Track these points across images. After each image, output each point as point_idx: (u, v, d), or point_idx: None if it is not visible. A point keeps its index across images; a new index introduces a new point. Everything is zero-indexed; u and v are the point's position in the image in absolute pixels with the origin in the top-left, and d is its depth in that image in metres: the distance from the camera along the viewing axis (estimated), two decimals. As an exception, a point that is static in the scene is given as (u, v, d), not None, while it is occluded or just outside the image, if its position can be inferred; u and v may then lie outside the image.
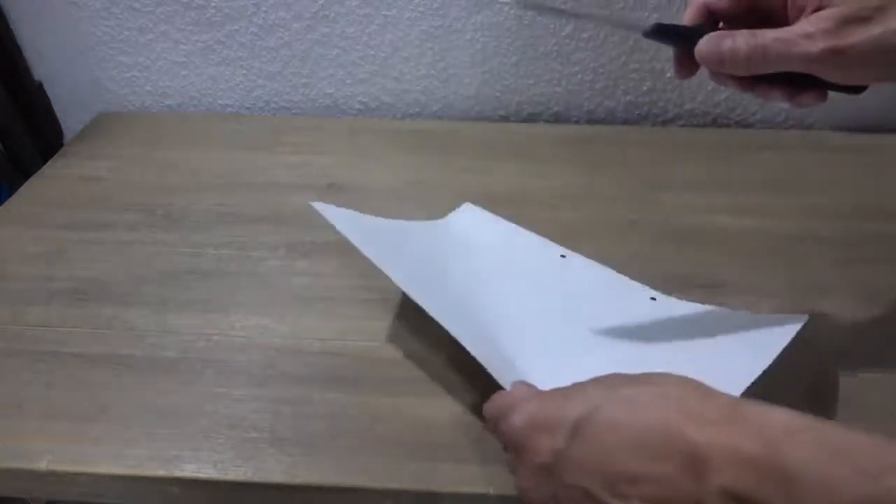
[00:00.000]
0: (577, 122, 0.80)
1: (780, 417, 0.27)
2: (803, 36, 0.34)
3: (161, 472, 0.42)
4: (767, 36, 0.35)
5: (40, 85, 0.83)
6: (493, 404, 0.37)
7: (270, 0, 0.75)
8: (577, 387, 0.33)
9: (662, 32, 0.39)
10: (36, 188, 0.69)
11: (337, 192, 0.67)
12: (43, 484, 0.43)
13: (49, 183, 0.70)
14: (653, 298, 0.51)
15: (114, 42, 0.80)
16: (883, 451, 0.25)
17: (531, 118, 0.81)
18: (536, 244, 0.57)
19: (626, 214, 0.62)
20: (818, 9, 0.35)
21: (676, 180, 0.67)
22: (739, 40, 0.36)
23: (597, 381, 0.33)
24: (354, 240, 0.48)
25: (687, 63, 0.40)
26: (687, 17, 0.40)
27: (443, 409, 0.45)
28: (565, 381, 0.35)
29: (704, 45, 0.38)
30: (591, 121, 0.80)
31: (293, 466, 0.42)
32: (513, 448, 0.35)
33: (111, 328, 0.52)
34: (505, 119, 0.81)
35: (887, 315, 0.51)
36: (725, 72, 0.38)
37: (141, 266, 0.58)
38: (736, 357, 0.42)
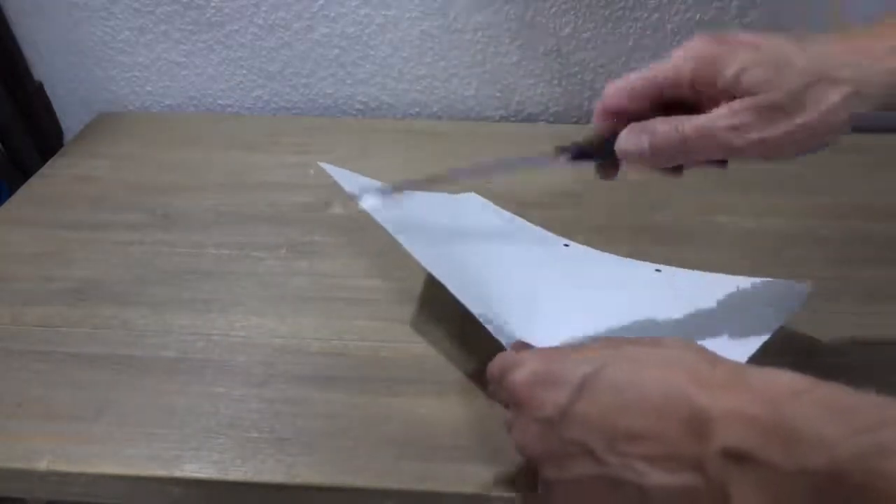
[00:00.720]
0: (577, 122, 0.80)
1: (783, 380, 0.28)
2: (727, 129, 0.34)
3: (161, 472, 0.42)
4: (688, 127, 0.35)
5: (40, 85, 0.83)
6: (495, 363, 0.37)
7: (270, 0, 0.75)
8: (583, 346, 0.34)
9: (579, 155, 0.39)
10: (36, 188, 0.69)
11: (337, 192, 0.67)
12: (43, 484, 0.43)
13: (49, 183, 0.70)
14: (657, 270, 0.52)
15: (114, 42, 0.80)
16: (882, 408, 0.26)
17: (531, 118, 0.81)
18: (540, 232, 0.58)
19: (625, 214, 0.62)
20: (732, 97, 0.34)
21: (676, 180, 0.66)
22: (660, 135, 0.35)
23: (603, 341, 0.34)
24: (357, 194, 0.49)
25: (609, 167, 0.40)
26: (595, 128, 0.39)
27: (443, 409, 0.45)
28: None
29: (625, 142, 0.37)
30: (591, 121, 0.80)
31: (293, 466, 0.42)
32: (514, 403, 0.34)
33: (111, 328, 0.52)
34: (505, 119, 0.81)
35: (887, 315, 0.51)
36: (647, 167, 0.37)
37: (141, 266, 0.58)
38: (743, 323, 0.42)
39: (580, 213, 0.62)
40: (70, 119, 0.86)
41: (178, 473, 0.42)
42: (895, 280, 0.54)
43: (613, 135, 0.38)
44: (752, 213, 0.62)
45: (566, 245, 0.56)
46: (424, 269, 0.46)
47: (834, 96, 0.33)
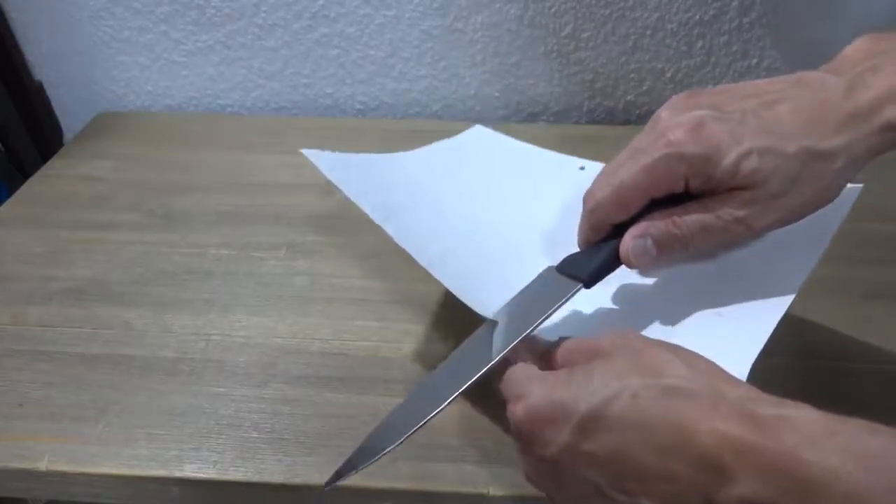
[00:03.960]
0: (577, 122, 0.80)
1: (801, 419, 0.26)
2: (736, 223, 0.34)
3: (161, 472, 0.42)
4: (690, 227, 0.35)
5: (40, 85, 0.83)
6: (501, 384, 0.34)
7: (270, 0, 0.75)
8: (582, 372, 0.31)
9: (599, 275, 0.37)
10: (36, 188, 0.69)
11: (336, 192, 0.67)
12: (43, 484, 0.43)
13: (49, 183, 0.70)
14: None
15: (114, 42, 0.80)
16: None
17: (531, 118, 0.81)
18: (553, 159, 0.55)
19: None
20: (732, 188, 0.34)
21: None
22: (664, 235, 0.35)
23: (602, 367, 0.31)
24: (337, 181, 0.48)
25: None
26: (588, 234, 0.38)
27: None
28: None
29: (632, 252, 0.36)
30: (591, 121, 0.80)
31: (293, 466, 0.42)
32: (518, 440, 0.34)
33: (111, 328, 0.52)
34: (505, 119, 0.81)
35: (887, 315, 0.51)
36: (650, 266, 0.37)
37: (141, 266, 0.58)
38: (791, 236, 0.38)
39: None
40: (70, 119, 0.86)
41: (178, 473, 0.42)
42: (895, 280, 0.54)
43: (611, 238, 0.37)
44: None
45: (582, 168, 0.53)
46: (424, 270, 0.46)
47: (828, 172, 0.34)
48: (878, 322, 0.50)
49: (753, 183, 0.33)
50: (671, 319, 0.38)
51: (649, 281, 0.42)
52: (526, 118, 0.81)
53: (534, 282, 0.39)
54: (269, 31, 0.77)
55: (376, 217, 0.45)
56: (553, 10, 0.73)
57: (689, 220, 0.35)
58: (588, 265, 0.37)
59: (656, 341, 0.32)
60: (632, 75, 0.76)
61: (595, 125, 0.80)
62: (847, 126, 0.33)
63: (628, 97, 0.78)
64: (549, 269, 0.39)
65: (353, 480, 0.40)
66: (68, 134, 0.87)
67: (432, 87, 0.80)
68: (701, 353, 0.31)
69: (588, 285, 0.37)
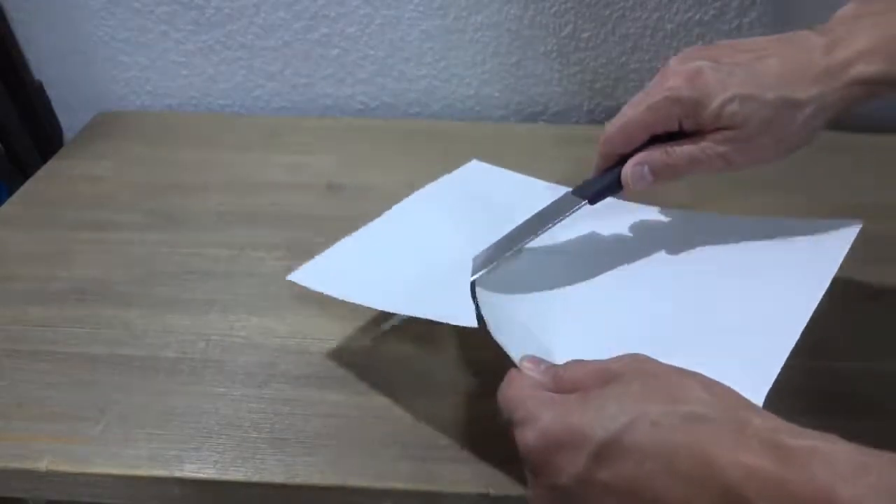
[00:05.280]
0: (577, 122, 0.80)
1: (833, 452, 0.25)
2: (718, 156, 0.40)
3: (161, 472, 0.42)
4: (680, 157, 0.41)
5: (40, 85, 0.83)
6: (505, 403, 0.34)
7: (270, 0, 0.75)
8: (597, 396, 0.30)
9: (597, 197, 0.44)
10: (36, 188, 0.69)
11: (336, 192, 0.67)
12: (43, 484, 0.43)
13: (49, 183, 0.70)
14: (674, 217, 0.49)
15: (114, 42, 0.80)
16: None
17: (531, 118, 0.81)
18: (548, 190, 0.55)
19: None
20: (722, 127, 0.40)
21: (675, 180, 0.67)
22: (659, 163, 0.41)
23: (618, 391, 0.30)
24: (340, 296, 0.45)
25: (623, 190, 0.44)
26: (600, 164, 0.45)
27: (443, 409, 0.45)
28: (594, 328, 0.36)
29: (630, 176, 0.42)
30: (591, 121, 0.80)
31: (293, 466, 0.42)
32: (529, 467, 0.32)
33: (111, 328, 0.52)
34: (505, 119, 0.81)
35: (887, 315, 0.51)
36: (646, 188, 0.43)
37: (141, 266, 0.58)
38: (796, 271, 0.41)
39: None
40: (70, 119, 0.86)
41: (178, 473, 0.42)
42: (895, 280, 0.54)
43: (617, 166, 0.44)
44: (752, 213, 0.62)
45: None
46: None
47: (799, 117, 0.39)
48: (877, 322, 0.50)
49: (733, 124, 0.39)
50: (681, 345, 0.38)
51: (659, 307, 0.42)
52: (526, 118, 0.81)
53: (552, 202, 0.46)
54: (269, 31, 0.77)
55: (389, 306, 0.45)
56: (553, 10, 0.73)
57: (680, 151, 0.41)
58: (594, 187, 0.44)
59: (671, 366, 0.31)
60: (632, 75, 0.76)
61: (595, 125, 0.80)
62: (821, 80, 0.38)
63: (628, 97, 0.78)
64: (567, 192, 0.46)
65: (353, 480, 0.41)
66: (68, 134, 0.87)
67: (432, 87, 0.80)
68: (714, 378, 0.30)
69: (592, 202, 0.44)
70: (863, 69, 0.38)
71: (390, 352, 0.49)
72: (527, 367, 0.35)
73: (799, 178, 0.67)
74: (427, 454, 0.42)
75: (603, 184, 0.44)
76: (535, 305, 0.44)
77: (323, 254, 0.49)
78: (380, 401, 0.46)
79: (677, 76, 0.40)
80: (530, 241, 0.45)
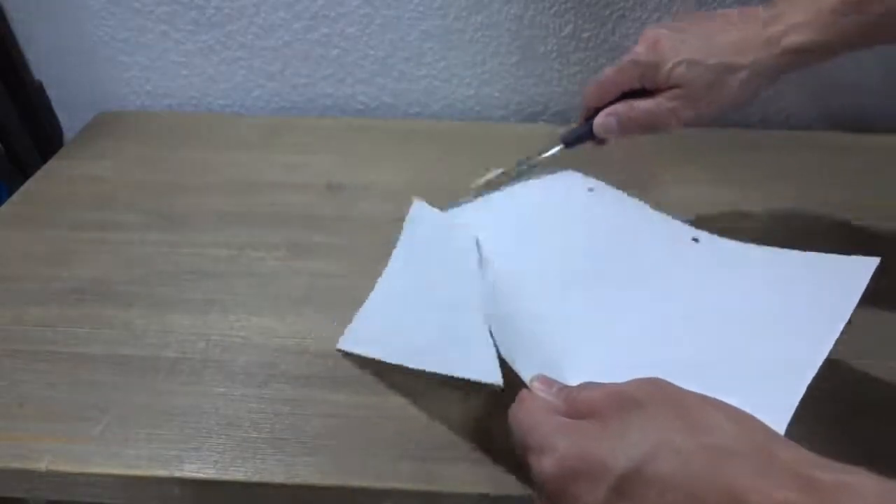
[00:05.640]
0: (577, 123, 0.80)
1: (863, 486, 0.24)
2: (666, 111, 0.48)
3: (161, 472, 0.42)
4: (639, 110, 0.49)
5: (40, 85, 0.83)
6: (518, 427, 0.33)
7: (270, 0, 0.75)
8: (617, 423, 0.29)
9: (574, 141, 0.54)
10: (36, 188, 0.69)
11: (336, 192, 0.67)
12: (43, 484, 0.43)
13: (49, 183, 0.70)
14: (695, 239, 0.48)
15: (114, 42, 0.80)
16: None
17: (531, 118, 0.81)
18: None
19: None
20: (672, 86, 0.48)
21: (676, 181, 0.67)
22: (622, 117, 0.50)
23: (639, 418, 0.29)
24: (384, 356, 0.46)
25: (599, 142, 0.53)
26: (582, 117, 0.54)
27: (443, 409, 0.45)
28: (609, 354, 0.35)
29: (599, 125, 0.51)
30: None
31: (293, 466, 0.42)
32: (544, 494, 0.31)
33: (111, 328, 0.52)
34: (505, 119, 0.81)
35: (887, 315, 0.51)
36: (614, 137, 0.52)
37: (141, 266, 0.58)
38: (812, 307, 0.40)
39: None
40: (70, 119, 0.86)
41: (178, 473, 0.42)
42: (895, 280, 0.54)
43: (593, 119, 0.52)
44: (752, 213, 0.62)
45: (590, 190, 0.53)
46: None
47: (735, 80, 0.46)
48: (878, 322, 0.50)
49: (680, 83, 0.47)
50: (697, 370, 0.37)
51: (674, 331, 0.42)
52: (526, 118, 0.81)
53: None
54: (269, 31, 0.77)
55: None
56: (553, 10, 0.73)
57: (640, 105, 0.49)
58: (572, 133, 0.54)
59: (692, 392, 0.30)
60: (632, 75, 0.76)
61: (595, 125, 0.80)
62: (759, 48, 0.45)
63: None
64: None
65: (353, 480, 0.41)
66: (68, 134, 0.87)
67: (432, 87, 0.80)
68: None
69: (568, 146, 0.54)
70: (794, 39, 0.44)
71: (390, 352, 0.49)
72: (538, 387, 0.34)
73: (799, 178, 0.67)
74: (427, 454, 0.42)
75: (578, 132, 0.53)
76: (544, 321, 0.43)
77: (357, 317, 0.51)
78: (380, 401, 0.46)
79: (642, 43, 0.49)
80: (511, 184, 0.56)
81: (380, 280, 0.53)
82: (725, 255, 0.47)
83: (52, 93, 0.84)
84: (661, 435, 0.28)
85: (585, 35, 0.75)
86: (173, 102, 0.84)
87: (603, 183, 0.54)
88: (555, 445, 0.30)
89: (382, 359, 0.45)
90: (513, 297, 0.45)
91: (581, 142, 0.53)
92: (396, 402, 0.45)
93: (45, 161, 0.74)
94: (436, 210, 0.55)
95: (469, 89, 0.80)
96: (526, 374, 0.36)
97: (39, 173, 0.71)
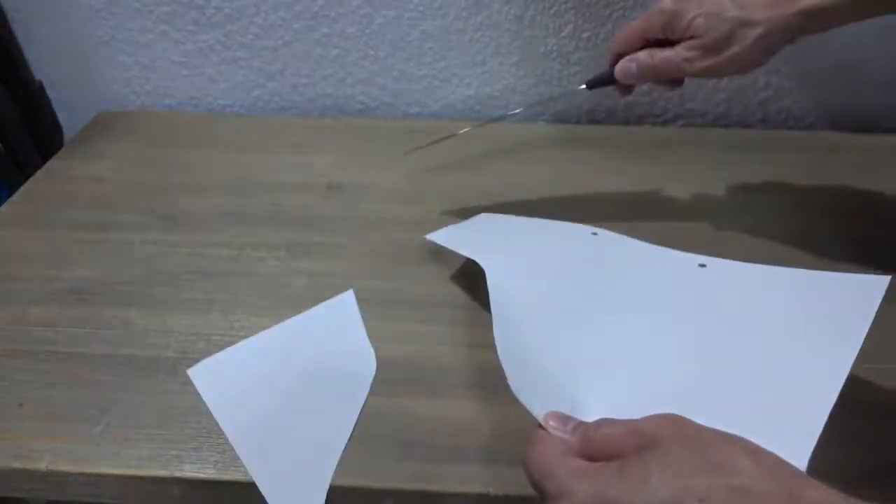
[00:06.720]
0: (577, 123, 0.80)
1: None
2: (684, 60, 0.51)
3: (161, 472, 0.42)
4: (658, 57, 0.52)
5: (40, 85, 0.83)
6: (534, 471, 0.32)
7: (270, 0, 0.75)
8: (637, 467, 0.28)
9: (596, 84, 0.57)
10: (36, 188, 0.69)
11: (336, 192, 0.67)
12: (43, 484, 0.43)
13: (49, 183, 0.70)
14: (702, 265, 0.47)
15: (114, 42, 0.80)
16: None
17: (531, 118, 0.81)
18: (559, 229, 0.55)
19: (626, 214, 0.62)
20: (691, 37, 0.50)
21: (676, 180, 0.67)
22: (643, 61, 0.53)
23: (658, 461, 0.28)
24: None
25: (622, 89, 0.57)
26: (608, 63, 0.56)
27: (442, 409, 0.45)
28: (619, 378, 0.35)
29: (619, 69, 0.54)
30: (591, 121, 0.80)
31: (293, 466, 0.42)
32: None
33: (111, 328, 0.52)
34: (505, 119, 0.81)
35: (887, 315, 0.51)
36: (633, 83, 0.55)
37: (141, 266, 0.58)
38: (825, 330, 0.39)
39: (580, 214, 0.62)
40: (70, 119, 0.86)
41: (177, 473, 0.42)
42: (895, 280, 0.54)
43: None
44: (752, 213, 0.62)
45: (594, 234, 0.53)
46: (423, 270, 0.46)
47: (751, 35, 0.48)
48: (878, 322, 0.50)
49: (698, 34, 0.50)
50: (712, 402, 0.36)
51: (686, 361, 0.40)
52: (526, 118, 0.81)
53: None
54: (269, 31, 0.77)
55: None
56: (553, 10, 0.73)
57: (660, 53, 0.52)
58: (595, 77, 0.57)
59: (710, 429, 0.29)
60: (632, 75, 0.76)
61: (595, 125, 0.80)
62: (776, 6, 0.48)
63: (628, 97, 0.78)
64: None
65: (353, 480, 0.41)
66: (69, 134, 0.87)
67: (432, 87, 0.80)
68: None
69: (589, 87, 0.58)
70: (809, 1, 0.47)
71: (390, 352, 0.49)
72: (553, 426, 0.33)
73: (800, 178, 0.67)
74: (427, 454, 0.42)
75: (601, 76, 0.57)
76: (553, 354, 0.41)
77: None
78: (380, 401, 0.45)
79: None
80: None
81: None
82: (733, 278, 0.46)
83: (52, 93, 0.84)
84: (682, 481, 0.27)
85: (585, 35, 0.75)
86: (173, 102, 0.84)
87: (607, 231, 0.54)
88: (574, 492, 0.29)
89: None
90: (520, 329, 0.43)
91: (603, 85, 0.57)
92: (397, 402, 0.45)
93: (45, 161, 0.74)
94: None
95: (469, 89, 0.80)
96: (539, 410, 0.35)
97: (39, 173, 0.71)
